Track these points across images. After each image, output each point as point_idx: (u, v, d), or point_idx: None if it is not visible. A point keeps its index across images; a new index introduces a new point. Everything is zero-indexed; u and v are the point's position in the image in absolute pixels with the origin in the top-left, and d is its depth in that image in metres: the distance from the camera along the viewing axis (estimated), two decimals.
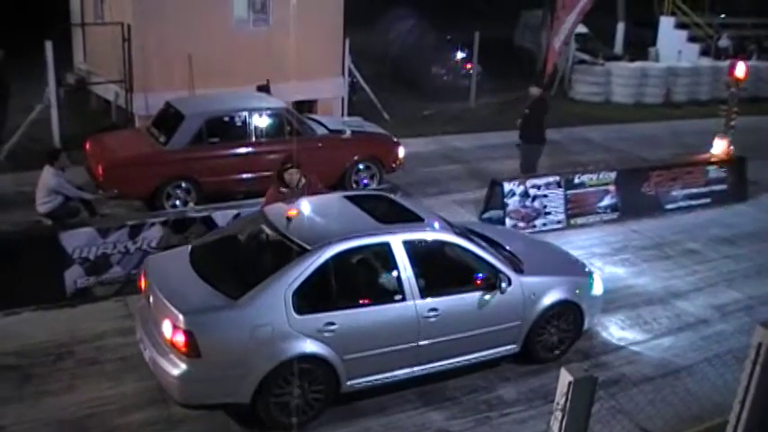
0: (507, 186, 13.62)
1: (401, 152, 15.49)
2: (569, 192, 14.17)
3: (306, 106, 19.83)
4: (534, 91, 15.44)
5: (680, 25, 31.25)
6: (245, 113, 14.12)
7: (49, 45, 16.26)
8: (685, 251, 13.57)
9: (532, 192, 13.79)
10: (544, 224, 13.93)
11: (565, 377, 5.39)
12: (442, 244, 9.04)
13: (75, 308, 10.38)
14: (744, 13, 34.37)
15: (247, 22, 19.13)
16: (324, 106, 20.46)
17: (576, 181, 14.28)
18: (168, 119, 14.17)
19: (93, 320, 10.07)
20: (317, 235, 8.32)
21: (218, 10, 18.46)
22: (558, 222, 14.10)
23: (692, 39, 30.83)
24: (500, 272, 8.87)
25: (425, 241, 8.90)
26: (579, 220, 14.32)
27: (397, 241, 8.48)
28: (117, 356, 9.22)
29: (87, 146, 14.13)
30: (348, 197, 9.62)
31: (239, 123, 14.10)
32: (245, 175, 13.86)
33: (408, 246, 8.53)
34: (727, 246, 13.93)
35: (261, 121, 14.16)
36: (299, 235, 8.27)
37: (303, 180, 10.40)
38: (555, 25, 26.41)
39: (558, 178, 14.18)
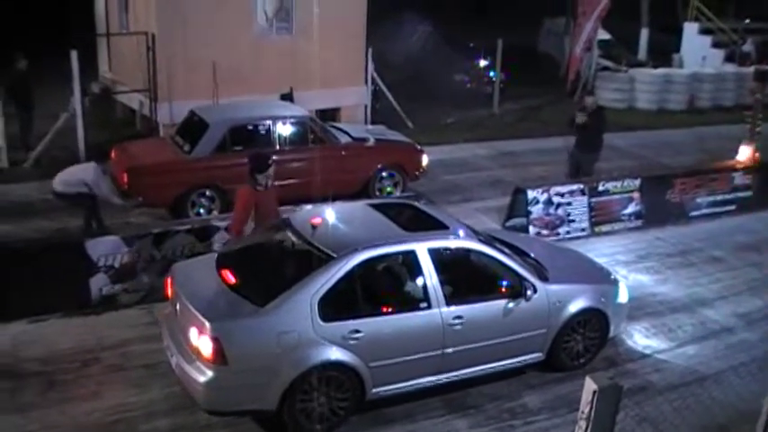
0: (531, 194, 13.59)
1: (425, 160, 15.52)
2: (593, 199, 14.11)
3: (329, 114, 19.92)
4: (591, 101, 15.27)
5: (704, 31, 31.08)
6: (269, 122, 14.17)
7: (74, 54, 16.44)
8: (710, 258, 13.49)
9: (556, 199, 13.75)
10: (568, 232, 13.89)
11: (590, 386, 5.38)
12: (467, 252, 9.06)
13: (99, 315, 10.43)
14: None
15: (270, 30, 19.25)
16: (347, 114, 20.54)
17: (600, 188, 14.23)
18: (192, 127, 14.26)
19: (118, 328, 10.12)
20: (343, 242, 8.35)
21: (241, 18, 18.59)
22: (582, 230, 14.05)
23: (716, 45, 30.66)
24: (525, 280, 8.87)
25: (450, 249, 8.94)
26: (603, 228, 14.26)
27: (422, 249, 8.51)
28: (142, 363, 9.27)
29: (113, 154, 14.25)
30: (373, 205, 9.66)
31: (263, 132, 14.14)
32: None
33: (433, 253, 8.55)
34: (752, 253, 13.83)
35: (285, 130, 14.23)
36: (324, 242, 8.30)
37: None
38: (576, 32, 26.48)
39: (581, 186, 14.13)
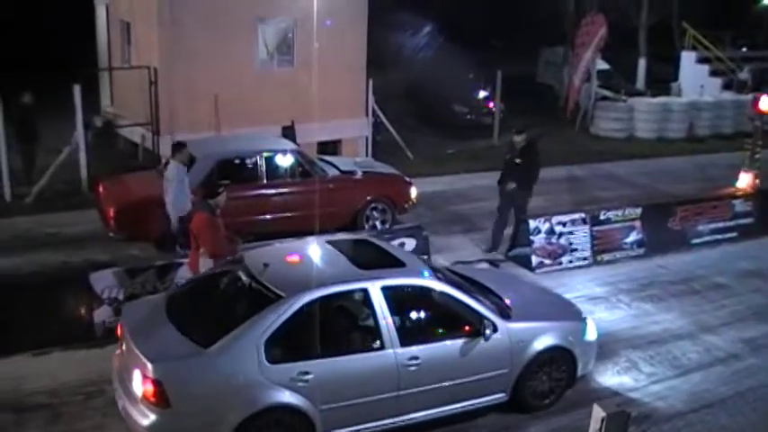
0: (533, 224, 13.61)
1: (413, 192, 15.41)
2: (595, 228, 14.12)
3: (330, 146, 19.98)
4: (519, 140, 14.52)
5: (701, 60, 31.27)
6: (257, 156, 14.07)
7: (77, 89, 16.56)
8: (713, 285, 13.48)
9: (558, 229, 13.76)
10: (570, 261, 13.89)
11: (597, 413, 5.38)
12: (423, 290, 8.75)
13: (104, 348, 10.29)
14: (765, 46, 34.34)
15: (272, 63, 19.38)
16: (348, 146, 20.60)
17: (602, 217, 14.25)
18: None
19: None
20: (293, 281, 8.17)
21: (243, 52, 18.73)
22: (585, 259, 14.05)
23: (713, 73, 30.82)
24: (485, 318, 8.61)
25: (405, 287, 8.68)
26: (606, 257, 14.25)
27: (375, 288, 8.29)
28: None
29: (100, 188, 14.13)
30: (330, 242, 9.37)
31: (251, 165, 14.05)
32: (256, 217, 13.75)
33: (387, 292, 8.32)
34: (755, 279, 13.82)
35: (272, 163, 14.15)
36: (273, 281, 8.11)
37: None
38: (574, 62, 26.65)
39: (583, 215, 14.16)
